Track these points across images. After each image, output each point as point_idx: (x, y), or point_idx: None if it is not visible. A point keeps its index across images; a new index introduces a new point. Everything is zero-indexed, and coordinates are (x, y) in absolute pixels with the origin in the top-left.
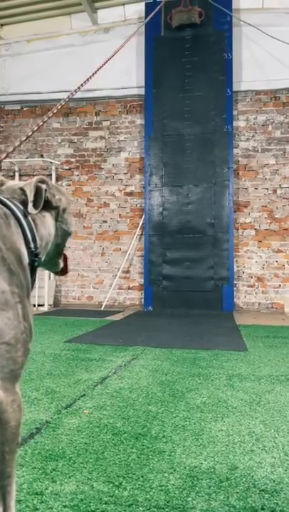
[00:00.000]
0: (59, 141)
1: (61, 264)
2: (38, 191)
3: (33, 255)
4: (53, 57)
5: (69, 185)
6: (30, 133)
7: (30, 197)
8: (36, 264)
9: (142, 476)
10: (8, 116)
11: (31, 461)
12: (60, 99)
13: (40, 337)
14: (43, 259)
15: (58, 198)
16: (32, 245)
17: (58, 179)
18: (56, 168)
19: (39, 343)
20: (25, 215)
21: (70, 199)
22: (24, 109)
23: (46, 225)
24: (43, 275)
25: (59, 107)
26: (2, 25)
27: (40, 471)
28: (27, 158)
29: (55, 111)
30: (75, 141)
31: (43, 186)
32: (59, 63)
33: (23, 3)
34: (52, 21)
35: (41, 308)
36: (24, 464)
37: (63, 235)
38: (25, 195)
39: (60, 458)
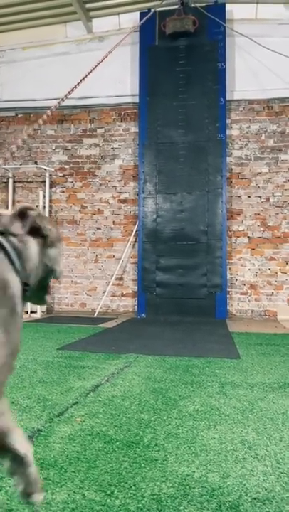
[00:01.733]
0: (53, 147)
1: (47, 300)
2: (24, 213)
3: (23, 284)
4: (47, 64)
5: (63, 191)
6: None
7: (17, 216)
8: (28, 293)
9: (134, 485)
10: (3, 122)
11: None
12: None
13: (32, 344)
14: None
15: (48, 227)
16: (21, 274)
17: (52, 186)
18: (50, 175)
19: (31, 350)
20: (13, 245)
21: (61, 240)
22: (19, 115)
23: (32, 254)
24: None
25: (45, 117)
26: None
27: None
28: (21, 164)
29: (41, 122)
30: (70, 148)
31: (32, 212)
32: (54, 71)
33: (18, 11)
34: (47, 29)
35: (34, 315)
36: None
37: (46, 270)
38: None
39: (51, 467)
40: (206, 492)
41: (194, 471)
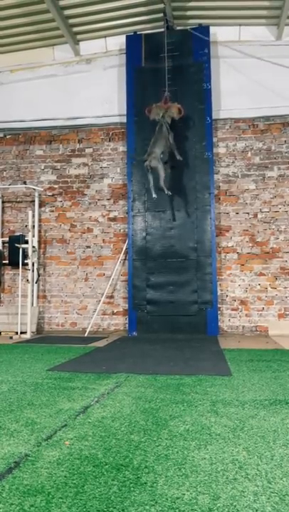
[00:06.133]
0: (42, 167)
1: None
2: None
3: None
4: (35, 86)
5: (52, 211)
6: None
7: None
8: None
9: (123, 510)
10: None
11: (8, 497)
12: (42, 127)
13: (22, 366)
14: None
15: None
16: None
17: (41, 205)
18: (39, 195)
19: (21, 372)
20: None
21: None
22: (7, 136)
23: None
24: (26, 302)
25: None
26: None
27: (18, 508)
28: (10, 184)
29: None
30: (58, 167)
31: None
32: (42, 92)
33: (6, 35)
34: (35, 52)
35: (24, 336)
36: (1, 500)
37: None
38: None
39: (38, 493)
40: None
41: (184, 494)
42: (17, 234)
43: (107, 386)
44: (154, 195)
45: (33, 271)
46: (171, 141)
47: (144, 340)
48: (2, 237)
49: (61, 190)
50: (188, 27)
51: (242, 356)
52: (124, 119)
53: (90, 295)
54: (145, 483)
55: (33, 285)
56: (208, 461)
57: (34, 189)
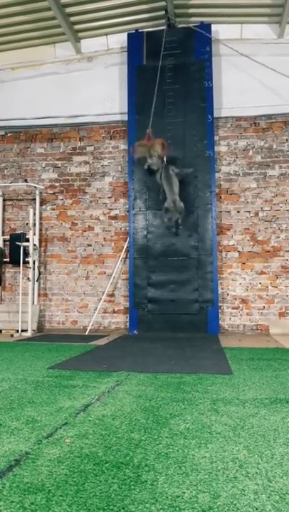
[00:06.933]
0: (43, 165)
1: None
2: None
3: None
4: (37, 84)
5: (53, 209)
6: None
7: None
8: None
9: (123, 508)
10: None
11: (9, 494)
12: (43, 125)
13: (22, 364)
14: None
15: None
16: None
17: (42, 203)
18: (40, 193)
19: (21, 370)
20: None
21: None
22: (8, 134)
23: None
24: (26, 300)
25: None
26: None
27: (18, 505)
28: (11, 182)
29: None
30: (59, 165)
31: None
32: (43, 90)
33: (7, 33)
34: (36, 50)
35: (25, 334)
36: (1, 497)
37: None
38: None
39: (39, 491)
40: None
41: (184, 492)
42: (18, 232)
43: (107, 384)
44: (166, 220)
45: (33, 269)
46: (168, 166)
47: (144, 339)
48: (3, 235)
49: (62, 189)
50: (190, 25)
51: (243, 355)
52: (125, 117)
53: (91, 293)
54: (145, 481)
55: (33, 283)
56: (208, 459)
57: (35, 187)
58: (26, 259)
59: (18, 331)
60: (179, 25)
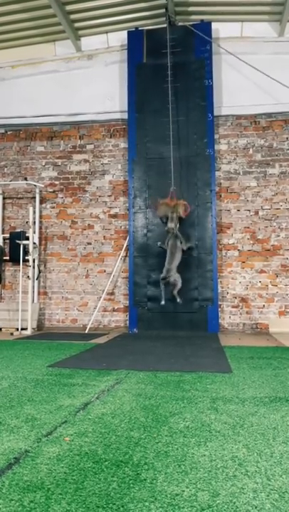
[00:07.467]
0: (43, 164)
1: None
2: None
3: None
4: (37, 82)
5: (53, 207)
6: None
7: None
8: None
9: (123, 506)
10: None
11: (8, 492)
12: (43, 124)
13: (22, 362)
14: None
15: None
16: None
17: (42, 202)
18: (40, 191)
19: (21, 368)
20: None
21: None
22: (8, 132)
23: None
24: (26, 298)
25: None
26: None
27: (18, 503)
28: (11, 181)
29: None
30: (59, 164)
31: None
32: (43, 88)
33: (7, 31)
34: (36, 48)
35: (24, 332)
36: (1, 496)
37: None
38: None
39: (38, 489)
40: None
41: (184, 490)
42: (18, 230)
43: (107, 383)
44: (162, 302)
45: (33, 267)
46: (179, 236)
47: (144, 337)
48: (3, 234)
49: (62, 187)
50: (191, 23)
51: (242, 353)
52: (125, 116)
53: (91, 292)
54: (145, 479)
55: (33, 281)
56: (207, 457)
57: (35, 185)
58: (26, 258)
59: (18, 330)
60: (179, 24)
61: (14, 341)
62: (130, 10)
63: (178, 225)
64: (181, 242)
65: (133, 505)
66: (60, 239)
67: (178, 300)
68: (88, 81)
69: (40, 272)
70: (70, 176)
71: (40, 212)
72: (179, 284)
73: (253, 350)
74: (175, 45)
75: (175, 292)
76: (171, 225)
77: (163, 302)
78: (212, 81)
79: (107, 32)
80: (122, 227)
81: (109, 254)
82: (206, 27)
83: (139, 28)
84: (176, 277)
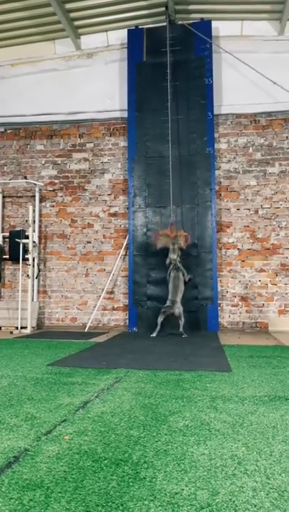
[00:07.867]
0: (43, 162)
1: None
2: None
3: None
4: (36, 81)
5: (53, 206)
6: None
7: None
8: None
9: (122, 505)
10: None
11: (8, 491)
12: (43, 122)
13: (22, 361)
14: None
15: None
16: None
17: (41, 200)
18: (40, 190)
19: (21, 366)
20: None
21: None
22: (8, 131)
23: None
24: (26, 297)
25: None
26: None
27: (17, 502)
28: (10, 179)
29: None
30: (59, 162)
31: None
32: (43, 87)
33: (7, 29)
34: (36, 46)
35: (24, 331)
36: (0, 494)
37: None
38: None
39: (37, 487)
40: (195, 510)
41: (183, 489)
42: (17, 229)
43: (106, 381)
44: (154, 335)
45: (33, 266)
46: (181, 267)
47: (144, 336)
48: (3, 232)
49: (62, 185)
50: (191, 21)
51: (242, 352)
52: (125, 114)
53: (91, 290)
54: (144, 478)
55: (33, 280)
56: (207, 456)
57: (35, 184)
58: (26, 256)
59: (17, 328)
60: (179, 22)
61: (14, 340)
62: (130, 8)
63: (179, 256)
64: (183, 274)
65: (132, 503)
66: (59, 237)
67: (184, 336)
68: (88, 79)
69: (39, 270)
70: (69, 175)
71: (40, 210)
72: (183, 318)
73: (253, 349)
74: (175, 44)
75: (181, 329)
76: (173, 256)
77: (154, 335)
78: (212, 79)
79: (106, 30)
80: (122, 226)
81: (108, 253)
82: (206, 25)
83: (139, 27)
84: (180, 310)
